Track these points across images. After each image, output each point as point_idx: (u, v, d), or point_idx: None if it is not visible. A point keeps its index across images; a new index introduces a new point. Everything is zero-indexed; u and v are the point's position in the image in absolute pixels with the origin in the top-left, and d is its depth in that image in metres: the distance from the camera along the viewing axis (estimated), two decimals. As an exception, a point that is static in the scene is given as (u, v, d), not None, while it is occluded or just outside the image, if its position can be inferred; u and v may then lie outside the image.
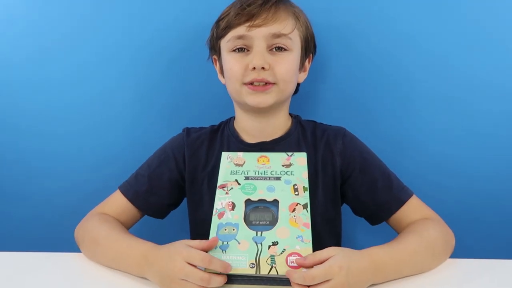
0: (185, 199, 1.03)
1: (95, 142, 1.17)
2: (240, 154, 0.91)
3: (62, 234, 1.00)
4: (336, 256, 0.72)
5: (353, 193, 0.96)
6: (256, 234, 0.77)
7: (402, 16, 1.07)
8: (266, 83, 0.92)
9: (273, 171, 0.87)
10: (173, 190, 0.99)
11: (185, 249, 0.74)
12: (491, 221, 1.13)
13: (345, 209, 1.02)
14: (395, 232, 0.93)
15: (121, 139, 1.17)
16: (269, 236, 0.77)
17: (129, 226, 0.97)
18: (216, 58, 1.02)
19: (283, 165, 0.88)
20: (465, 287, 0.76)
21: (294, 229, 0.78)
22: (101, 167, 1.17)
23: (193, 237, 1.01)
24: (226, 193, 0.84)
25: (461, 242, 0.88)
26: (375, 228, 0.99)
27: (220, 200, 0.83)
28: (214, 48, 1.00)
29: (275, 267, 0.73)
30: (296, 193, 0.83)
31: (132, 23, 1.11)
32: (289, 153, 0.90)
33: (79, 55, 1.12)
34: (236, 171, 0.87)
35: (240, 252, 0.75)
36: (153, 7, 1.10)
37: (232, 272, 0.73)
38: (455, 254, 0.85)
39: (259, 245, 0.76)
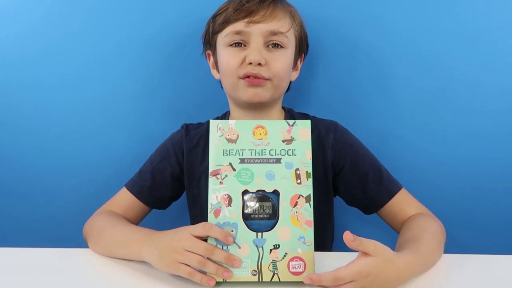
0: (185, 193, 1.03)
1: (95, 142, 1.15)
2: (232, 123, 0.77)
3: (67, 233, 1.01)
4: (371, 261, 0.68)
5: (344, 186, 0.97)
6: (257, 236, 0.73)
7: (394, 13, 1.06)
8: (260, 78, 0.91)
9: (272, 149, 0.76)
10: (175, 184, 1.00)
11: (190, 236, 0.73)
12: (483, 215, 1.13)
13: (336, 200, 1.02)
14: (386, 223, 0.95)
15: (122, 137, 1.15)
16: (270, 238, 0.73)
17: (136, 223, 0.97)
18: (210, 53, 1.02)
19: (283, 141, 0.76)
20: (459, 282, 0.76)
21: (295, 228, 0.73)
22: (103, 167, 1.15)
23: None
24: (220, 182, 0.75)
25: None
26: (367, 219, 0.99)
27: (215, 193, 0.75)
28: (210, 43, 0.99)
29: (277, 273, 0.72)
30: (298, 181, 0.75)
31: (130, 21, 1.10)
32: (290, 122, 0.77)
33: (80, 55, 1.11)
34: (229, 150, 0.76)
35: (241, 258, 0.72)
36: (148, 5, 1.09)
37: (233, 279, 0.72)
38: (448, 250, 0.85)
39: (260, 249, 0.73)
